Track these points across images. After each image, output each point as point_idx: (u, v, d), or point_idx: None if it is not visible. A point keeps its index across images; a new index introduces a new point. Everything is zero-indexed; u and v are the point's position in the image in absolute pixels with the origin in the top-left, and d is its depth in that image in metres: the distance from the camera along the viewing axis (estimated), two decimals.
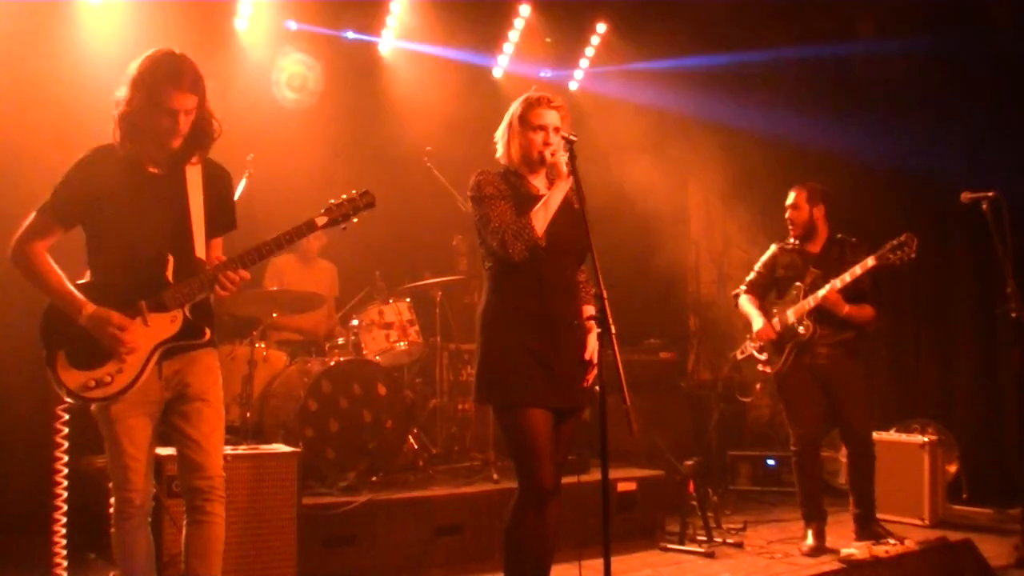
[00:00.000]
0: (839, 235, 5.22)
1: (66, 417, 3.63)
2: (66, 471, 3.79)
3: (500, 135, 3.53)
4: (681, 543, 5.14)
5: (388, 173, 6.15)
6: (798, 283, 5.15)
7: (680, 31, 7.17)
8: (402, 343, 5.62)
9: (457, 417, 5.93)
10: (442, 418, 5.90)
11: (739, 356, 5.42)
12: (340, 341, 5.75)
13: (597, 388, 3.43)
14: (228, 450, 3.56)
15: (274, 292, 5.44)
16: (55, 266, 3.01)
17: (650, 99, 7.31)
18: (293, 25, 6.43)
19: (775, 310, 5.23)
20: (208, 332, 3.09)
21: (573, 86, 7.77)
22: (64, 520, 3.79)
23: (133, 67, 2.97)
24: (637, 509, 5.23)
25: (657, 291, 7.91)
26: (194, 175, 3.12)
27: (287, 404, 5.10)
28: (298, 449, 4.32)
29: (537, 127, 3.41)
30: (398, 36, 6.93)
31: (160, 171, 3.08)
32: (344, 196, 3.21)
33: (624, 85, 7.48)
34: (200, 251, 3.09)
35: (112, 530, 3.04)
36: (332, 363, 5.18)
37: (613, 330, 3.06)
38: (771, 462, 6.95)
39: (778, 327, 5.15)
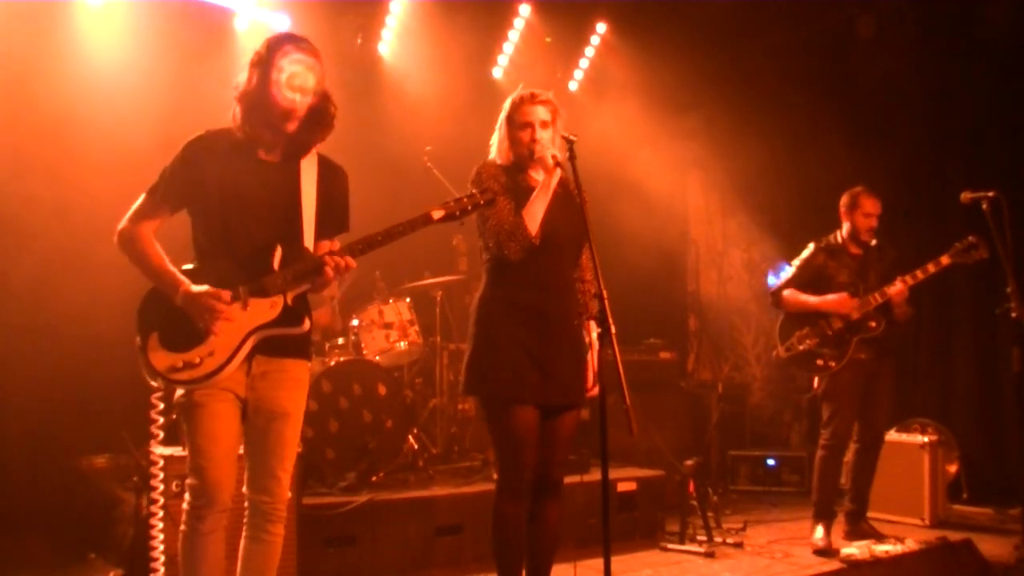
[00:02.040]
0: (875, 240, 5.26)
1: (161, 406, 3.53)
2: (161, 463, 3.71)
3: (493, 138, 3.55)
4: (681, 543, 5.14)
5: (388, 172, 6.15)
6: (847, 281, 5.09)
7: (680, 31, 7.17)
8: (402, 343, 5.62)
9: (457, 417, 5.93)
10: (442, 418, 5.90)
11: (785, 354, 5.21)
12: (340, 341, 5.75)
13: (597, 388, 3.44)
14: None
15: None
16: (159, 248, 2.93)
17: (650, 99, 7.30)
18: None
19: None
20: (306, 321, 2.94)
21: (573, 86, 7.77)
22: (160, 513, 3.69)
23: (256, 49, 2.94)
24: (637, 509, 5.23)
25: (657, 291, 7.92)
26: (309, 168, 3.01)
27: None
28: (298, 449, 4.31)
29: (523, 124, 3.42)
30: (398, 36, 6.93)
31: (273, 158, 2.98)
32: (465, 195, 3.07)
33: (623, 85, 7.48)
34: (309, 243, 2.96)
35: (182, 528, 2.89)
36: (332, 363, 5.18)
37: (613, 330, 3.07)
38: (771, 462, 6.96)
39: (840, 323, 5.07)
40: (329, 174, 3.07)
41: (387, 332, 5.60)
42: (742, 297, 8.39)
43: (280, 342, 2.95)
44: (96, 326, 4.75)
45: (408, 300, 5.77)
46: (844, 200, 5.26)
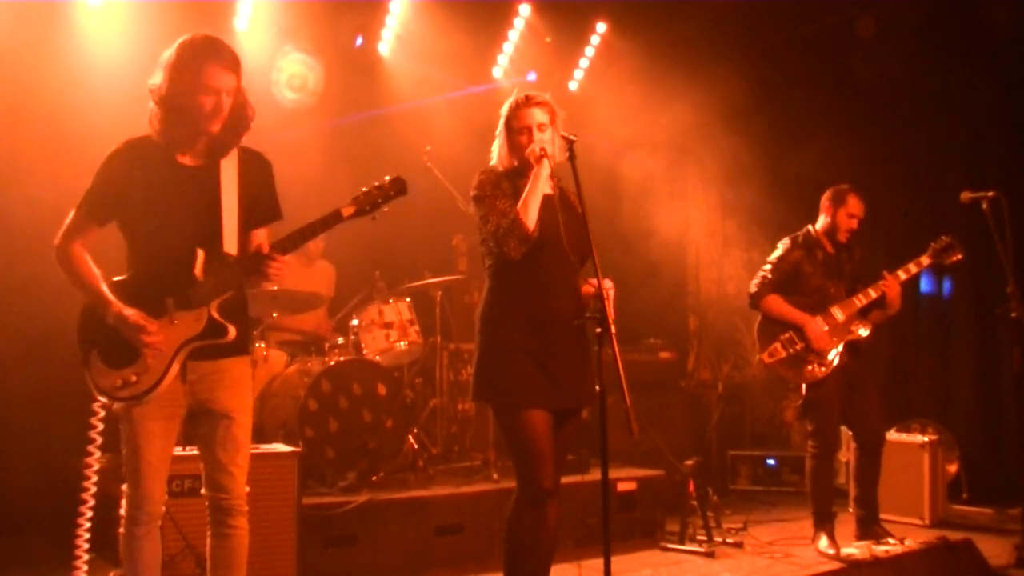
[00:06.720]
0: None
1: (102, 413, 3.56)
2: (96, 467, 3.74)
3: (494, 144, 3.53)
4: (681, 543, 5.14)
5: (388, 172, 6.14)
6: (820, 284, 5.01)
7: (680, 31, 7.17)
8: (402, 343, 5.62)
9: (457, 417, 5.93)
10: (442, 418, 5.90)
11: (769, 359, 5.00)
12: (340, 341, 5.75)
13: (597, 388, 3.43)
14: None
15: (274, 292, 5.43)
16: (91, 264, 2.97)
17: (650, 99, 7.30)
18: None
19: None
20: (231, 330, 2.96)
21: (573, 86, 7.77)
22: (90, 515, 3.74)
23: (170, 52, 2.94)
24: (637, 509, 5.24)
25: (657, 291, 7.91)
26: (229, 166, 3.02)
27: (287, 404, 5.10)
28: (298, 449, 4.31)
29: (521, 129, 3.42)
30: (398, 36, 6.93)
31: (193, 162, 3.00)
32: (375, 184, 3.05)
33: (623, 85, 7.48)
34: (230, 246, 2.97)
35: (120, 531, 3.00)
36: (332, 363, 5.18)
37: (613, 329, 3.06)
38: (771, 462, 6.96)
39: (825, 326, 4.93)
40: (250, 166, 3.09)
41: (387, 332, 5.60)
42: (742, 297, 8.38)
43: (214, 345, 2.98)
44: None
45: (408, 300, 5.77)
46: (829, 194, 5.14)
